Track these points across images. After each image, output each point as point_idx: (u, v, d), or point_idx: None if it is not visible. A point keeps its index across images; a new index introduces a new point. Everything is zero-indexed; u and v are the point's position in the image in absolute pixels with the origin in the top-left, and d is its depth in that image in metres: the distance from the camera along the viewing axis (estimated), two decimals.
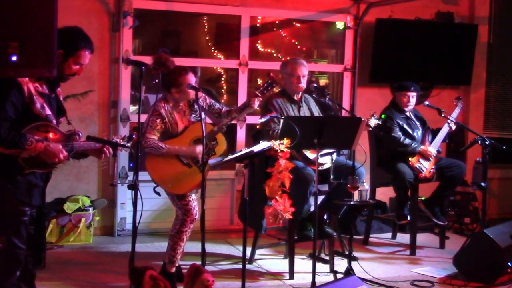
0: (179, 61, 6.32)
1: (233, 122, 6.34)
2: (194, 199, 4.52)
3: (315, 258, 4.57)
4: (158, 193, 4.52)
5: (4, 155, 3.20)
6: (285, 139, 4.28)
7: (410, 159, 5.67)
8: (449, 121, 5.76)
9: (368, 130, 5.87)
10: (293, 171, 4.41)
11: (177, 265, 4.58)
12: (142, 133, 4.36)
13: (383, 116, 5.56)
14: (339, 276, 4.77)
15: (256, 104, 4.58)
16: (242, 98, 6.40)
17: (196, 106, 4.55)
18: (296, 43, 7.29)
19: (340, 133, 4.60)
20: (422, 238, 6.01)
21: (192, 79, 4.47)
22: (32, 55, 2.95)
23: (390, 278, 4.92)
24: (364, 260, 5.26)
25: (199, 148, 4.41)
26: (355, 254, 5.11)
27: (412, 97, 5.82)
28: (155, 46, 7.11)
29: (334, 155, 5.00)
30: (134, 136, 3.79)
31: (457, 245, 5.26)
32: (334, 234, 5.04)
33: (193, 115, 4.59)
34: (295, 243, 4.97)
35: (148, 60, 4.39)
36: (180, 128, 4.51)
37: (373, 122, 5.01)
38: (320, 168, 4.72)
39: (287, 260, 5.03)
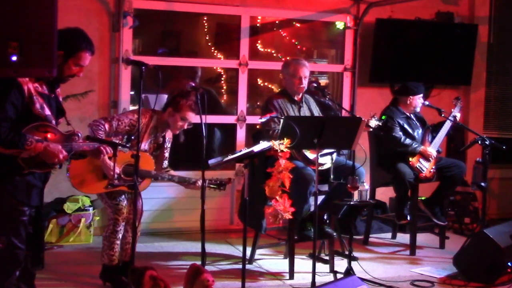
0: (179, 61, 6.37)
1: (233, 122, 6.41)
2: (124, 198, 4.47)
3: (315, 258, 4.57)
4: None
5: (3, 155, 3.21)
6: (285, 139, 4.29)
7: (410, 159, 5.67)
8: (449, 119, 5.76)
9: (368, 131, 5.88)
10: (293, 171, 4.41)
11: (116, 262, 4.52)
12: (104, 118, 4.36)
13: (383, 117, 5.55)
14: (339, 276, 4.77)
15: (198, 188, 4.43)
16: (242, 98, 6.41)
17: (165, 144, 4.63)
18: (296, 43, 7.28)
19: (340, 133, 4.60)
20: (422, 238, 6.01)
21: (192, 116, 4.49)
22: (32, 55, 2.95)
23: (390, 278, 4.92)
24: (364, 260, 5.26)
25: (116, 172, 4.28)
26: (355, 254, 5.11)
27: (419, 98, 5.83)
28: (155, 46, 7.12)
29: (334, 155, 5.00)
30: (133, 137, 3.78)
31: (457, 245, 5.26)
32: (334, 234, 5.04)
33: (154, 153, 4.58)
34: (295, 243, 4.96)
35: (148, 60, 4.37)
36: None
37: (373, 123, 5.01)
38: (320, 168, 4.72)
39: (287, 260, 5.03)
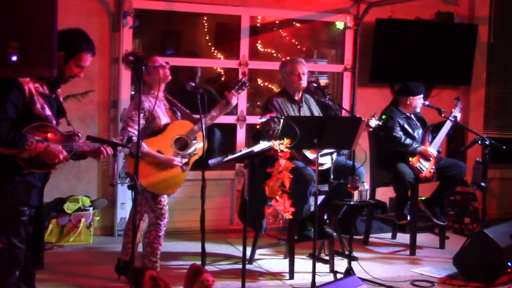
0: (179, 61, 6.36)
1: (233, 122, 6.41)
2: (167, 203, 4.49)
3: (315, 258, 4.58)
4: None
5: (3, 155, 3.21)
6: (285, 139, 4.28)
7: (410, 159, 5.67)
8: (449, 119, 5.76)
9: (369, 130, 5.87)
10: (293, 171, 4.41)
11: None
12: (122, 127, 4.35)
13: (383, 117, 5.55)
14: (339, 276, 4.77)
15: (234, 101, 4.70)
16: (241, 98, 6.40)
17: (174, 108, 4.63)
18: (296, 43, 7.28)
19: (340, 133, 4.60)
20: (422, 238, 6.01)
21: (159, 59, 4.49)
22: (32, 55, 2.95)
23: (390, 278, 4.92)
24: (364, 260, 5.26)
25: (177, 160, 4.40)
26: (355, 254, 5.11)
27: (419, 98, 5.84)
28: (155, 46, 7.11)
29: (334, 155, 5.00)
30: (133, 138, 3.79)
31: (457, 245, 5.26)
32: (334, 234, 5.04)
33: (177, 115, 4.60)
34: (295, 243, 4.97)
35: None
36: (162, 123, 4.44)
37: (373, 123, 5.01)
38: (320, 168, 4.72)
39: (287, 260, 5.03)
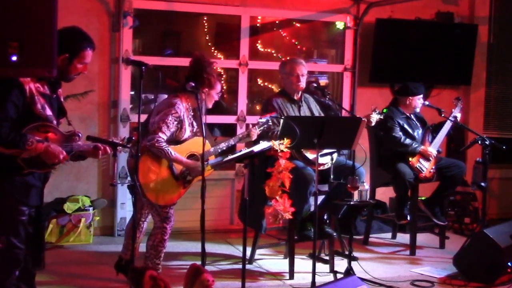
0: (179, 61, 6.36)
1: (233, 122, 6.41)
2: (173, 206, 4.49)
3: (315, 258, 4.58)
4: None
5: (3, 155, 3.21)
6: (285, 139, 4.28)
7: (410, 159, 5.67)
8: (449, 119, 5.76)
9: (368, 130, 5.87)
10: (293, 171, 4.41)
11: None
12: (153, 131, 4.31)
13: (384, 110, 5.53)
14: (339, 276, 4.77)
15: (255, 136, 4.73)
16: (242, 98, 6.41)
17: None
18: (296, 43, 7.29)
19: (340, 133, 4.60)
20: (422, 238, 6.01)
21: (219, 85, 4.59)
22: (32, 55, 2.95)
23: (390, 278, 4.92)
24: (364, 260, 5.26)
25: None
26: (355, 254, 5.11)
27: (419, 99, 5.83)
28: (155, 46, 7.11)
29: (335, 155, 5.00)
30: (133, 138, 3.79)
31: (457, 245, 5.26)
32: (334, 234, 5.04)
33: (195, 129, 4.60)
34: (295, 243, 4.97)
35: (148, 60, 4.37)
36: (184, 136, 4.46)
37: (375, 117, 4.99)
38: (320, 168, 4.72)
39: (287, 260, 5.03)
